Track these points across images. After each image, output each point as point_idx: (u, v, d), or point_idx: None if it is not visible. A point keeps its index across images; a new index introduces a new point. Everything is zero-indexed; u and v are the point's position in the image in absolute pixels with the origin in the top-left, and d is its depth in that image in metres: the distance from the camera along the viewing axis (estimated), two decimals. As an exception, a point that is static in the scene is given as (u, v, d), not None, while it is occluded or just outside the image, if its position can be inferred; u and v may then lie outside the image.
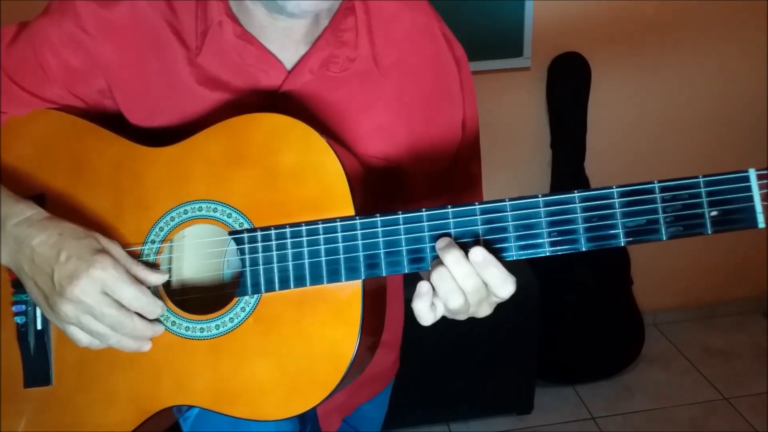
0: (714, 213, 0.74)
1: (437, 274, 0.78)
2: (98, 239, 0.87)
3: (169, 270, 0.96)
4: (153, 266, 0.90)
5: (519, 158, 2.70)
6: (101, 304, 0.84)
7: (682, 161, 2.72)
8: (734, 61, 2.67)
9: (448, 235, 0.80)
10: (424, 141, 1.01)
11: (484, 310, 0.82)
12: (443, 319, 0.83)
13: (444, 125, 1.02)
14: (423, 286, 0.79)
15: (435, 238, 0.80)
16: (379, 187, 0.98)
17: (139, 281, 0.87)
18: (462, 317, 0.82)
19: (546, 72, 2.59)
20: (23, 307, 0.94)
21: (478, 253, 0.76)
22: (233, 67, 0.95)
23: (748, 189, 0.73)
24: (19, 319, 0.94)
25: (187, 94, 0.95)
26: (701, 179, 0.74)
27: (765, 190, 0.72)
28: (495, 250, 0.78)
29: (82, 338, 0.87)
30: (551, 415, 2.52)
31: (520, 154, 2.70)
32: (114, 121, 0.97)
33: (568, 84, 2.58)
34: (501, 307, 0.83)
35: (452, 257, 0.77)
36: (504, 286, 0.77)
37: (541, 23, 2.49)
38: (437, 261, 0.79)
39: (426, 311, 0.79)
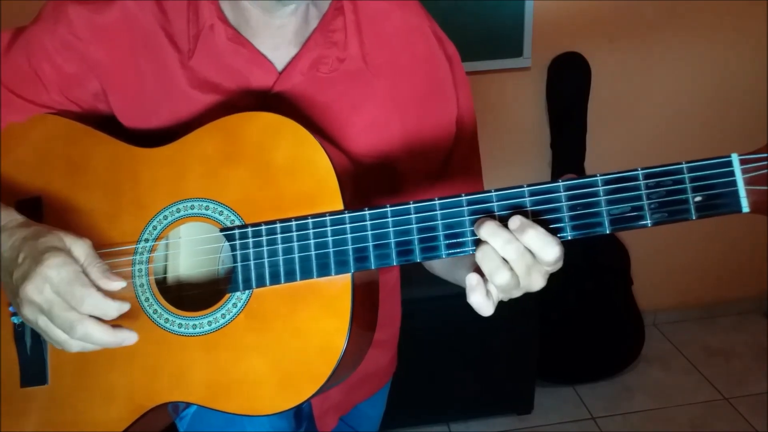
0: (698, 198, 0.73)
1: (480, 252, 0.76)
2: (62, 238, 0.83)
3: (165, 267, 0.97)
4: (150, 274, 0.90)
5: (519, 158, 2.70)
6: (52, 305, 0.80)
7: (681, 161, 2.71)
8: (734, 63, 2.67)
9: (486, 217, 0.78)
10: (418, 139, 1.01)
11: (537, 282, 0.78)
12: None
13: (438, 123, 1.02)
14: (473, 278, 0.77)
15: (422, 231, 0.80)
16: (375, 186, 0.98)
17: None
18: (516, 293, 0.79)
19: (546, 72, 2.59)
20: (20, 307, 0.94)
21: (515, 219, 0.75)
22: (225, 70, 0.95)
23: (732, 174, 0.72)
24: (15, 319, 0.95)
25: (180, 96, 0.95)
26: (684, 165, 0.74)
27: (748, 175, 0.71)
28: (540, 220, 0.77)
29: (52, 342, 0.84)
30: (551, 415, 2.52)
31: (520, 154, 2.70)
32: (109, 124, 0.98)
33: (568, 84, 2.58)
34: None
35: (488, 229, 0.75)
36: (546, 249, 0.74)
37: (541, 23, 2.49)
38: (477, 241, 0.77)
39: (484, 302, 0.77)
